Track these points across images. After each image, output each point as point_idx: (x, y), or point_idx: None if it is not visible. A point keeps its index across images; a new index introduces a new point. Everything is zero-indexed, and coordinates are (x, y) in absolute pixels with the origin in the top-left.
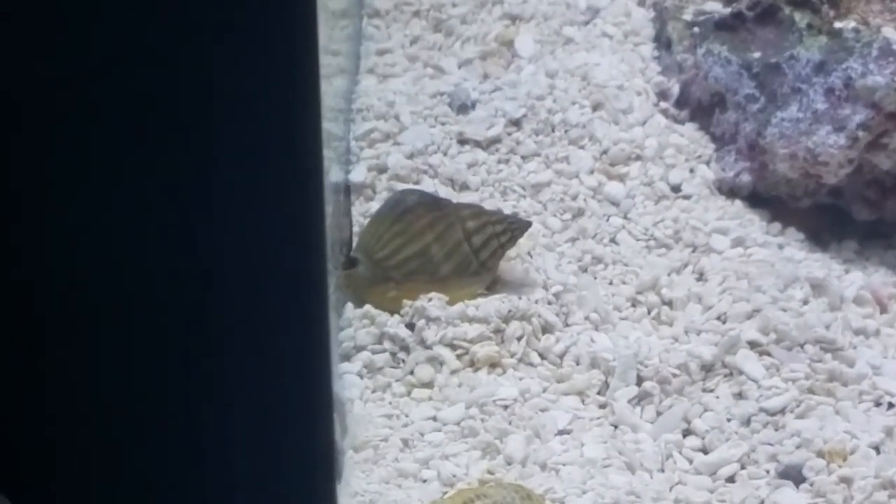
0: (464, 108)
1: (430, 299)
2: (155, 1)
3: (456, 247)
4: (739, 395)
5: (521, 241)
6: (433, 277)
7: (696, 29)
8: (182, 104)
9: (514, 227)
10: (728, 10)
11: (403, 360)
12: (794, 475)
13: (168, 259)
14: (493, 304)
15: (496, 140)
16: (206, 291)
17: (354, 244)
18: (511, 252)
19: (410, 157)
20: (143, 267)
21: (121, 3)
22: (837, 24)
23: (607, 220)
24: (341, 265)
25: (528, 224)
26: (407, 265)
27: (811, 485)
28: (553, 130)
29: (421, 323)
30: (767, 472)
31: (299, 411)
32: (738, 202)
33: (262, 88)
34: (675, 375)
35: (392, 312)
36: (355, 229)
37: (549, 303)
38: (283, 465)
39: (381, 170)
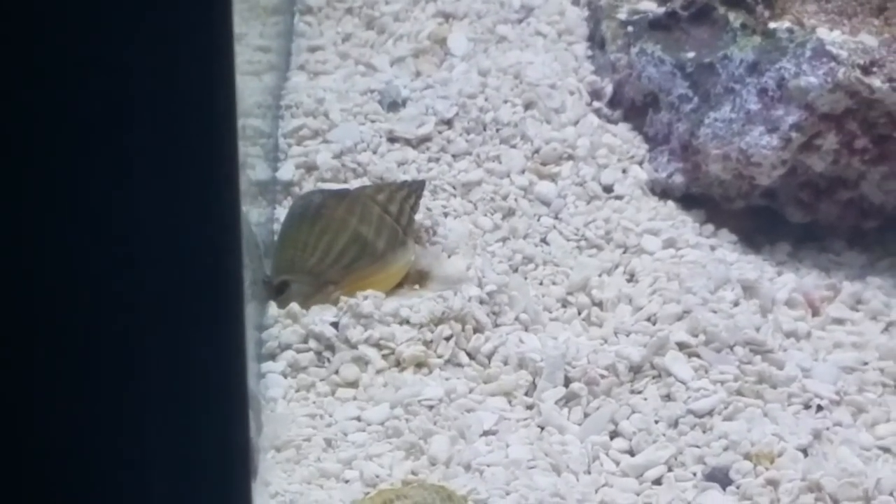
0: (394, 105)
1: (365, 297)
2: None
3: (380, 221)
4: (667, 397)
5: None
6: (374, 258)
7: (630, 28)
8: (94, 103)
9: (415, 189)
10: (662, 10)
11: (329, 360)
12: (720, 477)
13: (78, 254)
14: (427, 305)
15: (427, 138)
16: (118, 287)
17: (269, 271)
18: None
19: (339, 155)
20: (52, 266)
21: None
22: (772, 25)
23: (538, 220)
24: (271, 294)
25: (423, 183)
26: (344, 257)
27: (738, 487)
28: (484, 129)
29: (345, 321)
30: (694, 474)
31: (213, 408)
32: (670, 203)
33: (174, 84)
34: (603, 377)
35: None
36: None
37: (482, 302)
38: (198, 462)
39: (310, 168)
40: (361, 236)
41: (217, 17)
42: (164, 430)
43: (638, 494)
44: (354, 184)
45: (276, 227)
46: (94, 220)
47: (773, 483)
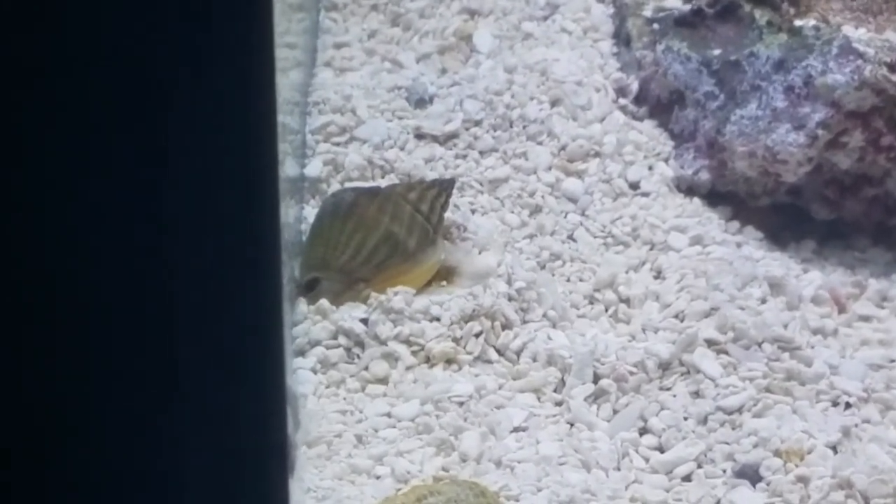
0: (421, 102)
1: (395, 293)
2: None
3: (411, 220)
4: (696, 394)
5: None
6: (405, 257)
7: (655, 25)
8: (133, 102)
9: (445, 188)
10: (688, 7)
11: (358, 356)
12: (750, 474)
13: (119, 256)
14: (457, 302)
15: (454, 135)
16: (159, 287)
17: (299, 268)
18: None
19: (367, 151)
20: (96, 270)
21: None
22: (797, 22)
23: (565, 217)
24: (301, 291)
25: (453, 182)
26: (376, 256)
27: (768, 484)
28: (511, 126)
29: (375, 318)
30: (724, 471)
31: (253, 405)
32: (696, 200)
33: (215, 84)
34: (631, 373)
35: None
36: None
37: (511, 298)
38: (237, 459)
39: (337, 164)
40: (393, 235)
41: (259, 15)
42: (203, 425)
43: (668, 491)
44: (382, 181)
45: (304, 226)
46: (136, 217)
47: (803, 480)
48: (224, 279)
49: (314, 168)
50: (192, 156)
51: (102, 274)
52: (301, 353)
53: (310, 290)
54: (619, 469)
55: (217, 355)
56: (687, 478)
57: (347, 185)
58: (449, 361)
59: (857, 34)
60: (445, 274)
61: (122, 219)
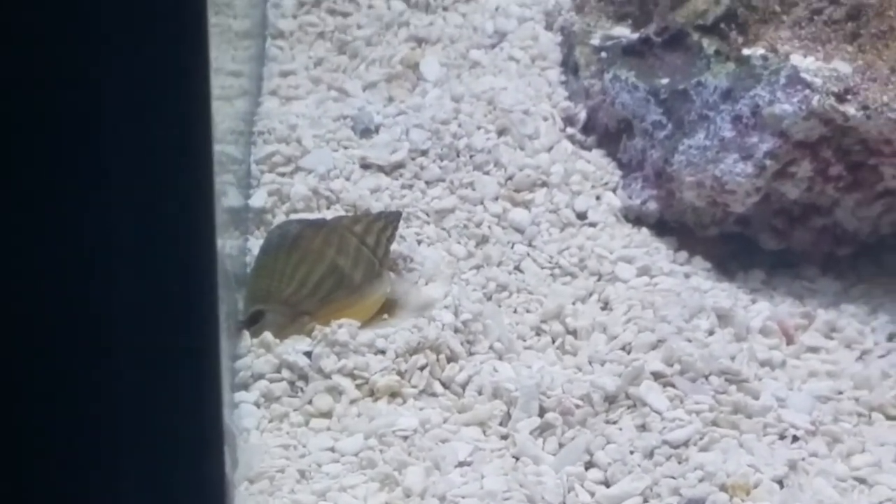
0: (367, 132)
1: (340, 326)
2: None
3: (357, 253)
4: (643, 427)
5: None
6: (350, 290)
7: (603, 54)
8: (70, 122)
9: (391, 220)
10: (636, 36)
11: (302, 390)
12: None
13: (55, 291)
14: (402, 335)
15: (400, 165)
16: (93, 323)
17: (243, 301)
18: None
19: (312, 181)
20: (34, 304)
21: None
22: (746, 51)
23: (512, 248)
24: (243, 324)
25: (400, 214)
26: (321, 288)
27: None
28: (458, 155)
29: (319, 351)
30: None
31: (189, 445)
32: (644, 230)
33: (150, 116)
34: (577, 407)
35: None
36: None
37: (457, 330)
38: (173, 498)
39: (282, 195)
40: (338, 268)
41: (191, 44)
42: (138, 467)
43: None
44: (327, 212)
45: (248, 258)
46: (71, 254)
47: None
48: (160, 320)
49: (259, 199)
50: (126, 188)
51: (39, 305)
52: (244, 386)
53: (254, 322)
54: None
55: (152, 397)
56: None
57: (293, 216)
58: (393, 395)
59: (806, 63)
60: (388, 306)
61: (55, 250)
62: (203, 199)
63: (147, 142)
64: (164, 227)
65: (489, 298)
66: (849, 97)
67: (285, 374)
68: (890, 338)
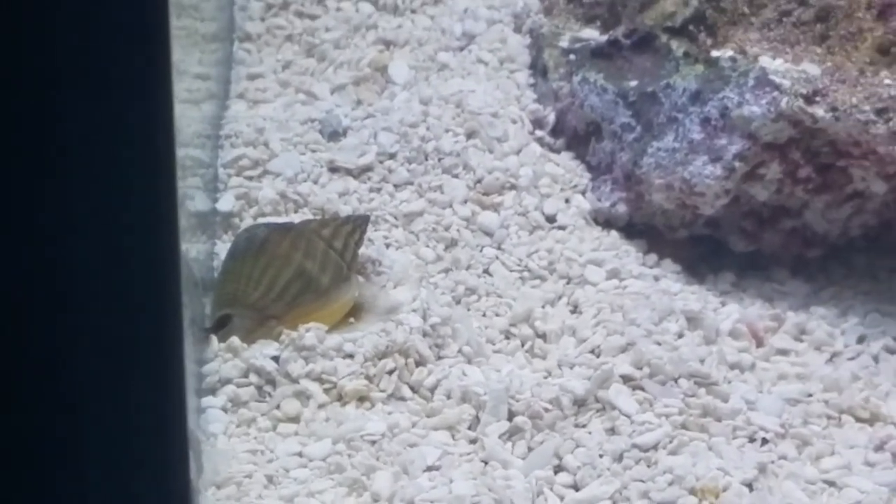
0: (335, 135)
1: (307, 330)
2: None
3: (325, 256)
4: (612, 431)
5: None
6: (318, 294)
7: (572, 56)
8: (28, 125)
9: (359, 224)
10: (604, 38)
11: (270, 394)
12: None
13: (16, 297)
14: (371, 339)
15: (368, 168)
16: (54, 328)
17: (210, 305)
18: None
19: (280, 185)
20: None
21: None
22: (714, 53)
23: (481, 251)
24: (211, 329)
25: (368, 218)
26: (288, 292)
27: None
28: (426, 159)
29: (286, 355)
30: None
31: (154, 451)
32: (613, 233)
33: (112, 121)
34: (547, 410)
35: None
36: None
37: (425, 334)
38: None
39: (250, 199)
40: (306, 272)
41: (154, 50)
42: (103, 474)
43: None
44: (295, 216)
45: (216, 262)
46: (32, 261)
47: None
48: (123, 326)
49: (226, 203)
50: (90, 200)
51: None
52: (212, 391)
53: (221, 326)
54: None
55: (115, 405)
56: None
57: (260, 220)
58: (361, 399)
59: (774, 65)
60: (355, 310)
61: (16, 255)
62: (166, 203)
63: (107, 145)
64: (125, 231)
65: (458, 302)
66: (817, 99)
67: (253, 378)
68: (859, 340)
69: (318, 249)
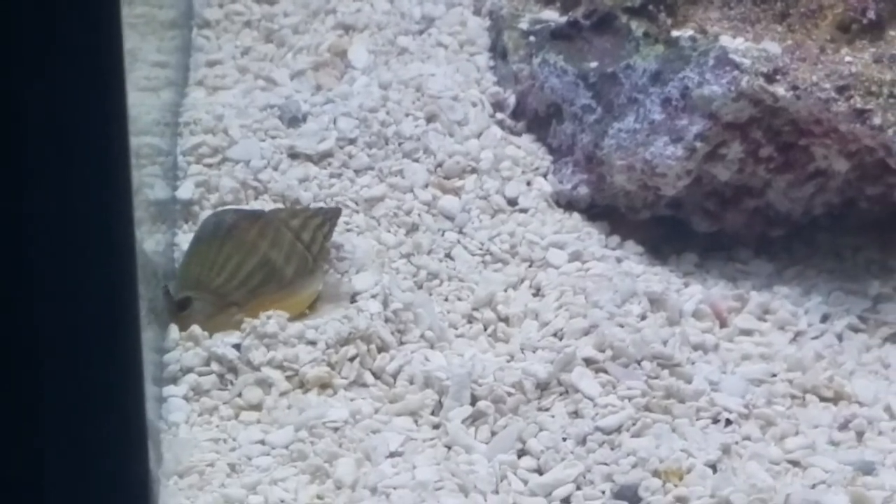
0: (295, 121)
1: (269, 317)
2: None
3: (291, 248)
4: (575, 414)
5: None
6: (280, 285)
7: (532, 38)
8: None
9: (329, 217)
10: (564, 19)
11: (231, 382)
12: (629, 495)
13: None
14: (332, 326)
15: (328, 154)
16: (12, 317)
17: (173, 286)
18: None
19: (240, 172)
20: None
21: None
22: (675, 33)
23: (442, 235)
24: (171, 311)
25: (339, 211)
26: (251, 280)
27: None
28: (386, 143)
29: (248, 343)
30: (603, 492)
31: (112, 441)
32: (575, 215)
33: (64, 112)
34: (509, 394)
35: None
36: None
37: (387, 320)
38: (97, 496)
39: (210, 186)
40: (271, 261)
41: (105, 40)
42: (60, 463)
43: None
44: (255, 203)
45: (177, 253)
46: None
47: (682, 500)
48: (79, 317)
49: (186, 190)
50: (44, 189)
51: None
52: (173, 380)
53: (182, 309)
54: (497, 492)
55: (74, 392)
56: (566, 500)
57: (220, 208)
58: (324, 386)
59: (735, 44)
60: (317, 298)
61: None
62: (120, 192)
63: (59, 135)
64: (80, 220)
65: (420, 287)
66: (778, 77)
67: (214, 367)
68: (823, 319)
69: (286, 240)
